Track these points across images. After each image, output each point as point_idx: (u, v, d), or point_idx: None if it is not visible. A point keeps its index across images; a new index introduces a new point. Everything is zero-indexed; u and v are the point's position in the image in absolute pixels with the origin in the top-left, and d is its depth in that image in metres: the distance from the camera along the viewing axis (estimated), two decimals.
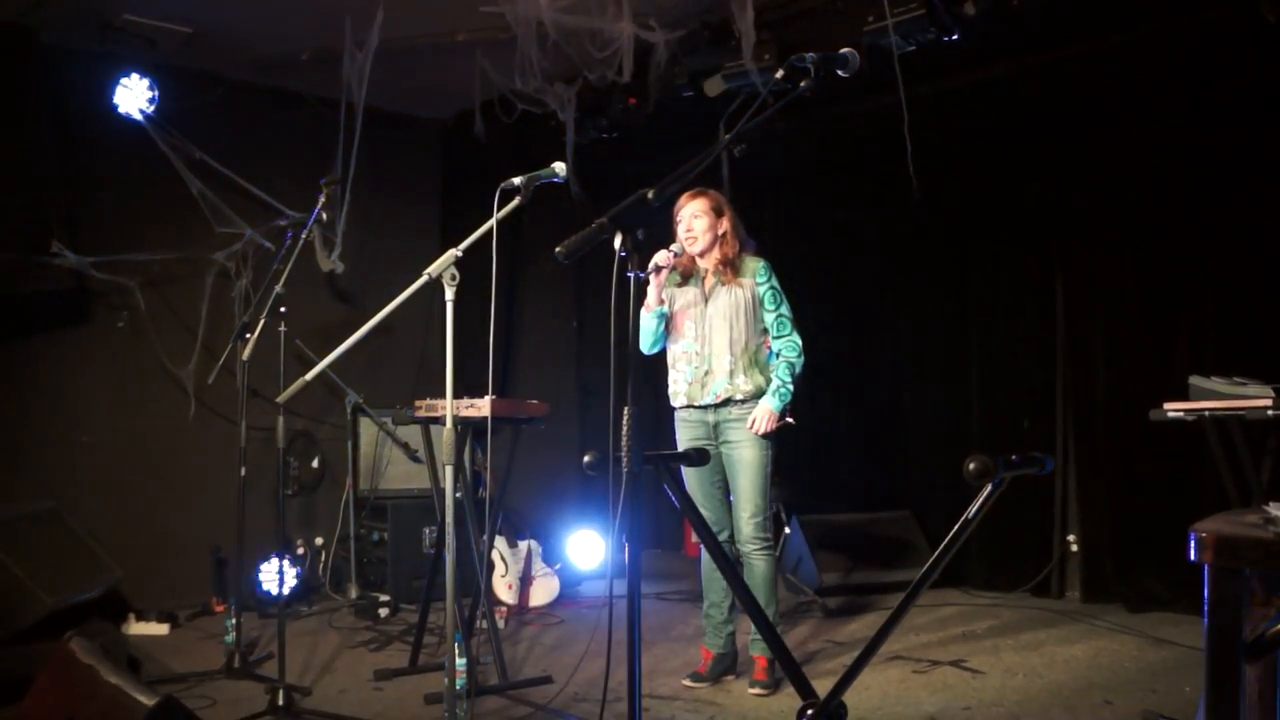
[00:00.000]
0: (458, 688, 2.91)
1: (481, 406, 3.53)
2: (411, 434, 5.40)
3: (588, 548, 5.70)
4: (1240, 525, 1.59)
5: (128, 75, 5.01)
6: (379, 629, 4.79)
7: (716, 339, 3.72)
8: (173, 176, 5.18)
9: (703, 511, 3.67)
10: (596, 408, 6.93)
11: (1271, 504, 1.68)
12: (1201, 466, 4.39)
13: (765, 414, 3.65)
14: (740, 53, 4.34)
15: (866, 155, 5.64)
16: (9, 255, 4.60)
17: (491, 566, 4.96)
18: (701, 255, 3.79)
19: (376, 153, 5.60)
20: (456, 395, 2.75)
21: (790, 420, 3.74)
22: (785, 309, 3.77)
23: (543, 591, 5.19)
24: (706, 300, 3.77)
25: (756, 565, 3.71)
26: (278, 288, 3.66)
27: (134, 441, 5.18)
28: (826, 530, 5.43)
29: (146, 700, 2.23)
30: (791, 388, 3.70)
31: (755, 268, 3.78)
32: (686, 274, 3.84)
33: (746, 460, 3.69)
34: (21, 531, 4.06)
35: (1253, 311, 4.51)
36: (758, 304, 3.76)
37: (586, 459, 2.37)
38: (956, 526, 2.16)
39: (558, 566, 5.32)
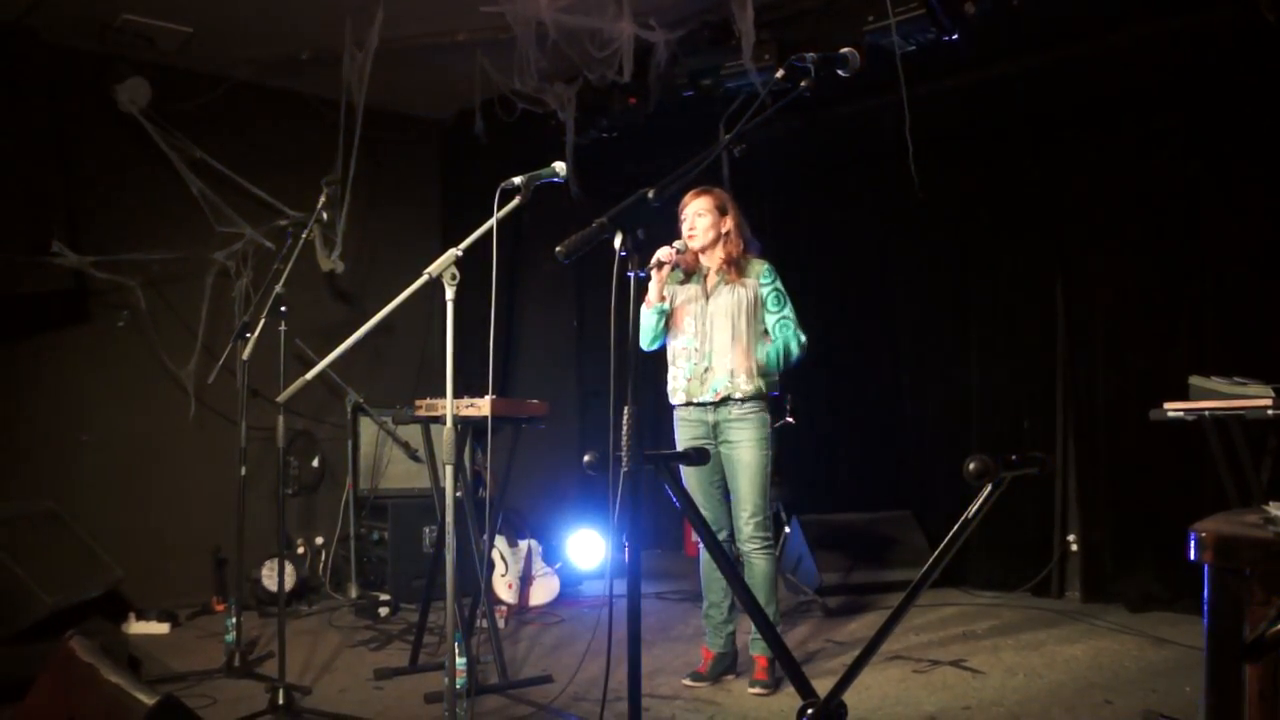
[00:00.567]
0: (458, 687, 2.91)
1: (481, 406, 3.53)
2: (412, 433, 5.41)
3: (588, 547, 5.70)
4: (1240, 525, 1.59)
5: (128, 75, 5.00)
6: (379, 628, 4.79)
7: (718, 336, 3.72)
8: (173, 176, 5.18)
9: (702, 511, 3.67)
10: (596, 407, 6.93)
11: (1271, 504, 1.68)
12: (1201, 466, 4.39)
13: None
14: (740, 53, 4.34)
15: (866, 155, 5.64)
16: (9, 255, 4.61)
17: (491, 566, 4.96)
18: (704, 252, 3.79)
19: (376, 152, 5.60)
20: (456, 395, 2.75)
21: (790, 420, 3.74)
22: (789, 311, 3.76)
23: (543, 591, 5.19)
24: (708, 297, 3.77)
25: (756, 565, 3.71)
26: (278, 287, 3.66)
27: (134, 441, 5.18)
28: (826, 530, 5.43)
29: (147, 700, 2.22)
30: (777, 361, 3.67)
31: (760, 269, 3.77)
32: (689, 272, 3.84)
33: (746, 460, 3.68)
34: (21, 531, 4.06)
35: (1253, 311, 4.51)
36: (760, 305, 3.76)
37: (586, 458, 2.37)
38: (956, 526, 2.16)
39: (558, 566, 5.33)
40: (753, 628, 3.52)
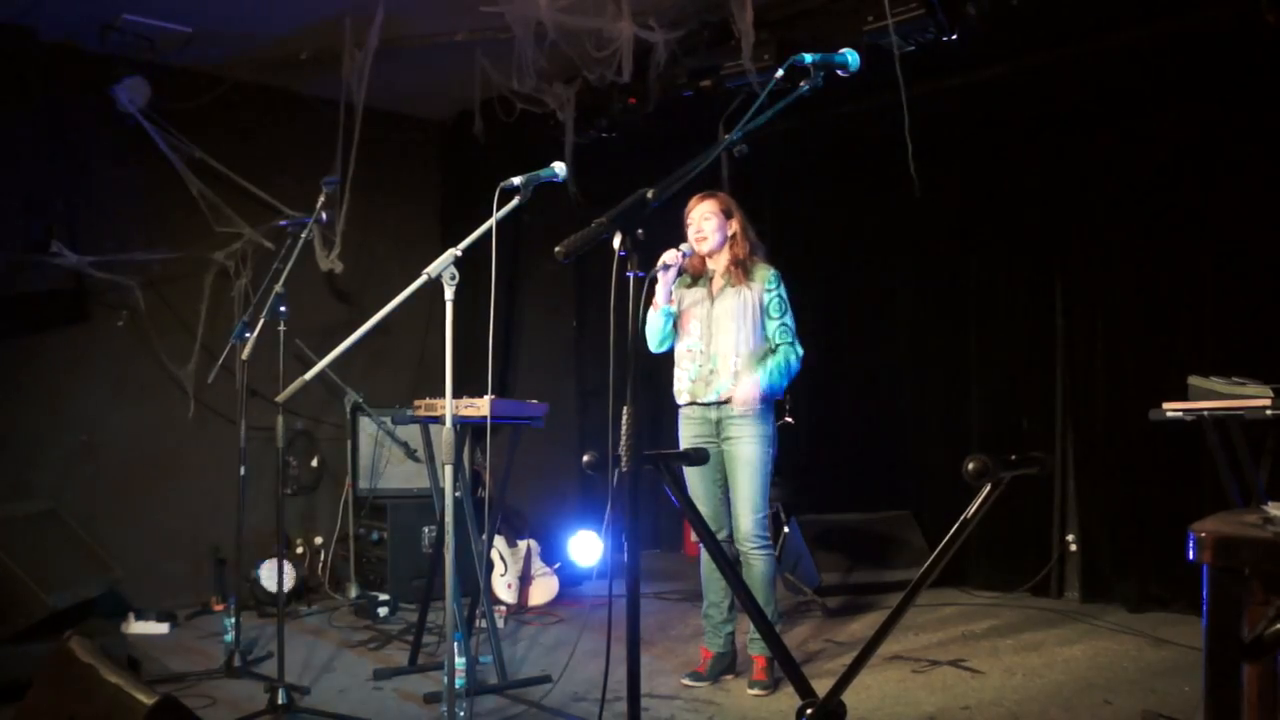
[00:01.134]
0: (457, 687, 2.91)
1: (481, 406, 3.53)
2: (411, 433, 5.41)
3: (587, 547, 5.70)
4: (1240, 525, 1.59)
5: (127, 75, 5.00)
6: (378, 628, 4.79)
7: (723, 339, 3.73)
8: (173, 176, 5.18)
9: (702, 510, 3.67)
10: (596, 408, 6.93)
11: (1271, 504, 1.68)
12: (1201, 466, 4.40)
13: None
14: (740, 53, 4.34)
15: (866, 155, 5.64)
16: (9, 255, 4.61)
17: (491, 566, 4.96)
18: (711, 256, 3.80)
19: (376, 153, 5.60)
20: (456, 395, 2.75)
21: (789, 420, 3.74)
22: (789, 319, 3.77)
23: (542, 591, 5.19)
24: (713, 300, 3.78)
25: (756, 565, 3.71)
26: (278, 287, 3.66)
27: (133, 441, 5.18)
28: (826, 530, 5.42)
29: (146, 699, 2.22)
30: (781, 381, 3.70)
31: (766, 275, 3.78)
32: (695, 275, 3.86)
33: (747, 459, 3.69)
34: (21, 531, 4.06)
35: (1252, 311, 4.51)
36: (763, 309, 3.76)
37: (586, 458, 2.37)
38: (956, 526, 2.16)
39: (557, 566, 5.33)
40: (752, 627, 3.52)
